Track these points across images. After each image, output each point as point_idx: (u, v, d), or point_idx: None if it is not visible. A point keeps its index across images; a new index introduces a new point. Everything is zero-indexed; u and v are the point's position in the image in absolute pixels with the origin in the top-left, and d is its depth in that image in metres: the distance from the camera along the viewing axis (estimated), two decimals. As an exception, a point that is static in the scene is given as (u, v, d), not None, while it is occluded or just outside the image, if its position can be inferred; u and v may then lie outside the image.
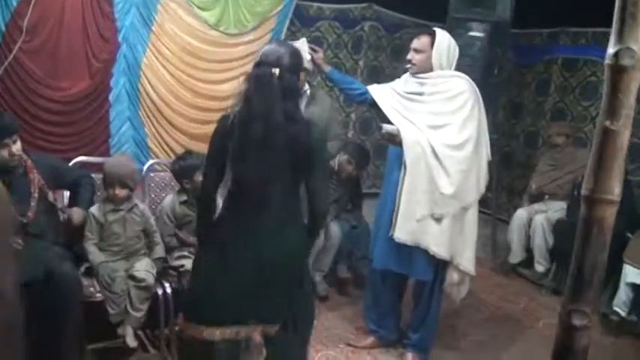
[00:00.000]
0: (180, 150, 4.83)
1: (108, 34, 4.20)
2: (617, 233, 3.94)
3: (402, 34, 6.00)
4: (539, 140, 5.75)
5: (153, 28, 4.48)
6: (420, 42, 2.97)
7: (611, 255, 4.13)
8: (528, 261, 4.77)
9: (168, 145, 4.77)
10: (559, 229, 4.40)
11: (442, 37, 2.96)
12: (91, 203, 2.98)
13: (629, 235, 4.01)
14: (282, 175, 2.01)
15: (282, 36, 5.22)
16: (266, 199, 1.97)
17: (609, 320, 3.90)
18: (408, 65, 3.03)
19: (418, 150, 2.86)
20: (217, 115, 4.89)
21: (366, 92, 3.22)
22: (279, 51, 2.06)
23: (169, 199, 3.23)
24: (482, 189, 3.01)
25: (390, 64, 6.01)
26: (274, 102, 1.96)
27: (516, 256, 4.76)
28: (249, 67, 4.96)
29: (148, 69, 4.52)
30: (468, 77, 2.98)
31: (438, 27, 3.07)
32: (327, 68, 3.36)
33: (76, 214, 2.86)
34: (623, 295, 3.81)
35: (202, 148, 4.98)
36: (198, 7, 4.66)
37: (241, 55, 4.97)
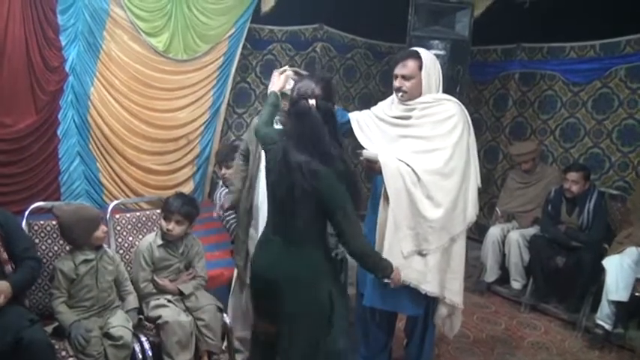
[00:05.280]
0: (135, 186, 4.54)
1: (54, 64, 3.91)
2: (594, 245, 3.97)
3: (353, 54, 6.03)
4: (500, 155, 5.79)
5: (100, 56, 4.21)
6: (407, 67, 2.69)
7: (590, 268, 4.04)
8: (503, 278, 4.70)
9: (122, 181, 4.46)
10: (534, 244, 4.34)
11: (427, 57, 2.71)
12: (25, 286, 2.56)
13: (605, 246, 3.99)
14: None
15: (236, 60, 5.05)
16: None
17: (593, 334, 3.84)
18: (400, 94, 2.75)
19: (399, 183, 2.61)
20: (174, 146, 4.77)
21: (349, 121, 2.96)
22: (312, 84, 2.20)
23: (147, 241, 2.90)
24: (470, 218, 2.78)
25: (344, 84, 5.99)
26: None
27: (491, 274, 4.68)
28: (203, 92, 4.87)
29: (97, 100, 4.26)
30: (457, 100, 2.78)
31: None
32: None
33: (2, 286, 2.37)
34: (606, 308, 3.75)
35: (159, 182, 4.71)
36: (146, 33, 4.43)
37: (195, 82, 4.75)
